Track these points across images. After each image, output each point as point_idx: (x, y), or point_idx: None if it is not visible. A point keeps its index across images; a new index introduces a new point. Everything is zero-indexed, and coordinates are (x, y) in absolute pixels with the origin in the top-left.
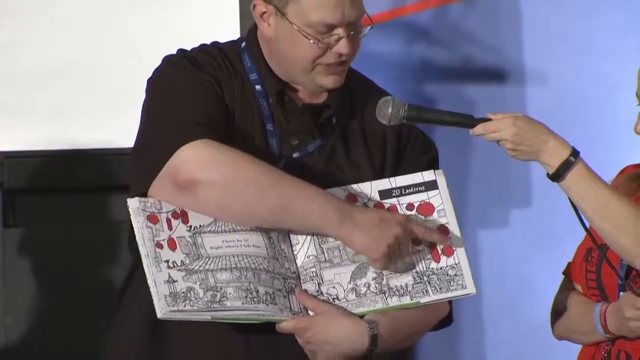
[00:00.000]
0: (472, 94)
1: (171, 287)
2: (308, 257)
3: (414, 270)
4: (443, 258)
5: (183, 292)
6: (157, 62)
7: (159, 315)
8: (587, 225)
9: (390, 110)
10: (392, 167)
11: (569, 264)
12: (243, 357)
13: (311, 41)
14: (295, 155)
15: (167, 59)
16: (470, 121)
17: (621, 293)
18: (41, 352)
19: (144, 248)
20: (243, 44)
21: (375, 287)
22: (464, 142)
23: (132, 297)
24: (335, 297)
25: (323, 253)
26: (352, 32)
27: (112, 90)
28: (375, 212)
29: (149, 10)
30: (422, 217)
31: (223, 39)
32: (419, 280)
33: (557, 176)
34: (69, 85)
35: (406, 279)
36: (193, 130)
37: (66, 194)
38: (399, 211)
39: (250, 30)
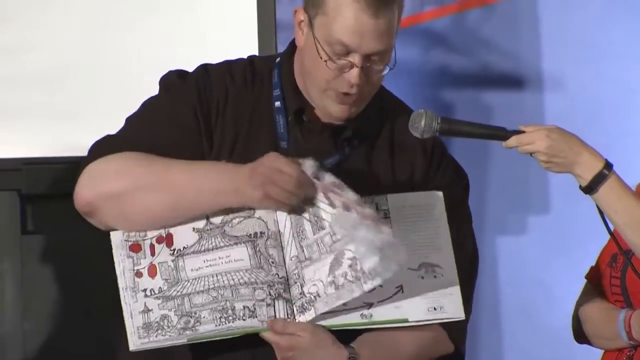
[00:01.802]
0: (490, 100)
1: (145, 317)
2: (291, 258)
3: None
4: None
5: (157, 321)
6: (175, 67)
7: (131, 348)
8: (612, 229)
9: (423, 123)
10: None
11: (591, 268)
12: None
13: (323, 59)
14: None
15: (165, 75)
16: (503, 134)
17: None
18: (60, 357)
19: (123, 280)
20: (278, 59)
21: (351, 275)
22: (482, 149)
23: None
24: (316, 294)
25: (303, 251)
26: (368, 64)
27: (131, 96)
28: (275, 159)
29: (164, 15)
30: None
31: (238, 44)
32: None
33: (590, 189)
34: (86, 90)
35: (374, 259)
36: (116, 145)
37: None
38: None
39: (288, 45)
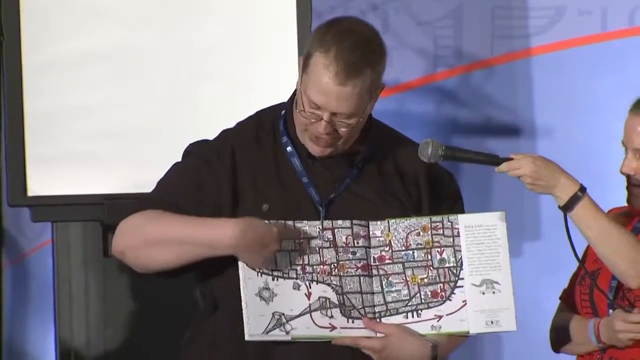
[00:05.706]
0: (492, 147)
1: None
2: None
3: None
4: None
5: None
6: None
7: (247, 338)
8: (580, 256)
9: (430, 150)
10: (430, 196)
11: (564, 290)
12: None
13: (298, 109)
14: (332, 196)
15: (191, 144)
16: (495, 160)
17: (610, 310)
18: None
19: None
20: (283, 111)
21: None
22: (484, 186)
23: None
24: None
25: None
26: (334, 118)
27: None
28: (260, 228)
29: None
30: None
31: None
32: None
33: (567, 207)
34: (158, 140)
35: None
36: (144, 204)
37: None
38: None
39: (292, 94)
